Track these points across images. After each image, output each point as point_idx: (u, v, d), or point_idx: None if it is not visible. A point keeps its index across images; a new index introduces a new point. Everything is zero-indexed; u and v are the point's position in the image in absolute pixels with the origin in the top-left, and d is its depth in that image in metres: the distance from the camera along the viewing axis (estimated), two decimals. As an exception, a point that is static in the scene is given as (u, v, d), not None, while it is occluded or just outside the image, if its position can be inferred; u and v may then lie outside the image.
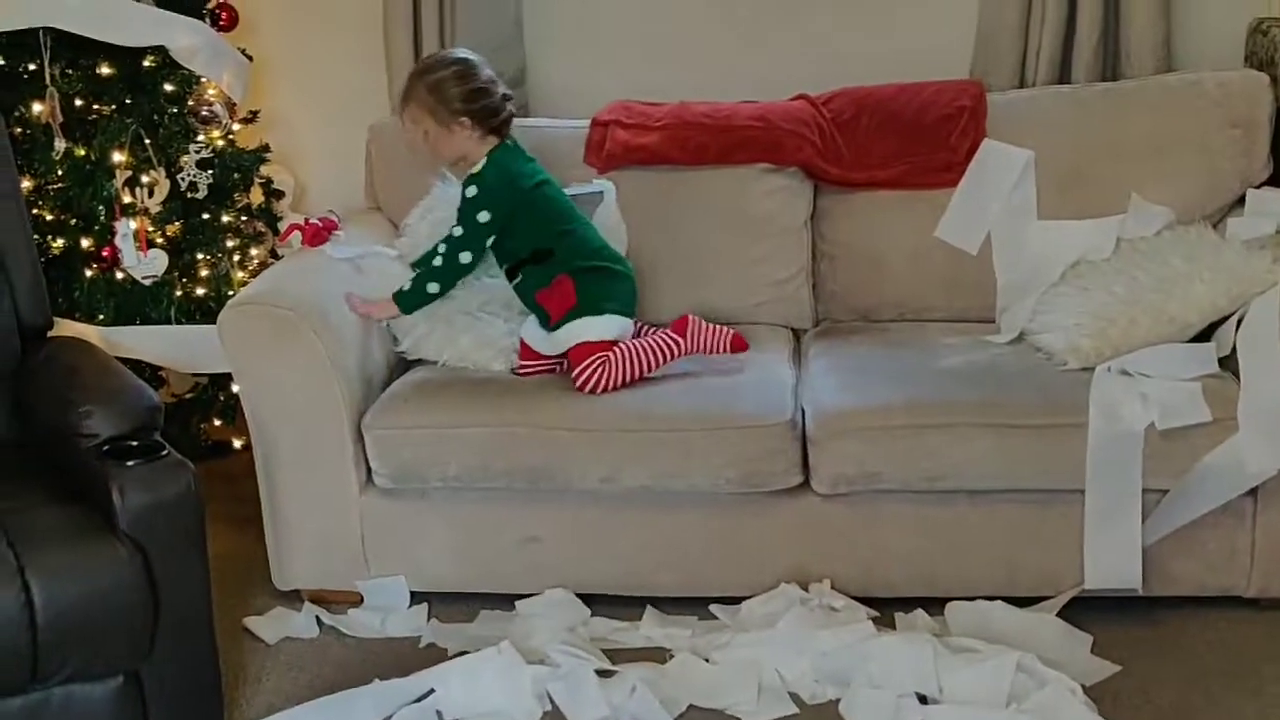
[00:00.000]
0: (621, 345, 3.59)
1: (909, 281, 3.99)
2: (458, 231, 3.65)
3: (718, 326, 3.67)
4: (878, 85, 4.14)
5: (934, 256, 3.97)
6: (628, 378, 3.54)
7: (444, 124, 3.67)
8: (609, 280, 3.69)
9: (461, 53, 3.76)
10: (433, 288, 3.65)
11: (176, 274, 4.01)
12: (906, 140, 4.03)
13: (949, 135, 4.00)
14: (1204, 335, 3.51)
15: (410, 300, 3.66)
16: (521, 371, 3.71)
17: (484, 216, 3.64)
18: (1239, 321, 3.43)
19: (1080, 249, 3.83)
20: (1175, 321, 3.49)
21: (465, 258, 3.65)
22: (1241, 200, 3.90)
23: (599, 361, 3.53)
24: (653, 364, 3.57)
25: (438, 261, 3.66)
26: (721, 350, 3.64)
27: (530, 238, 3.67)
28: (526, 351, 3.72)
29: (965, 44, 4.28)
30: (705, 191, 4.00)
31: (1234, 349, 3.41)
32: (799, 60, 4.33)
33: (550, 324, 3.65)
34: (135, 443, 2.97)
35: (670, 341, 3.61)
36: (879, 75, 4.17)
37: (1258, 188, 3.91)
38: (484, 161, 3.67)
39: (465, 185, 3.68)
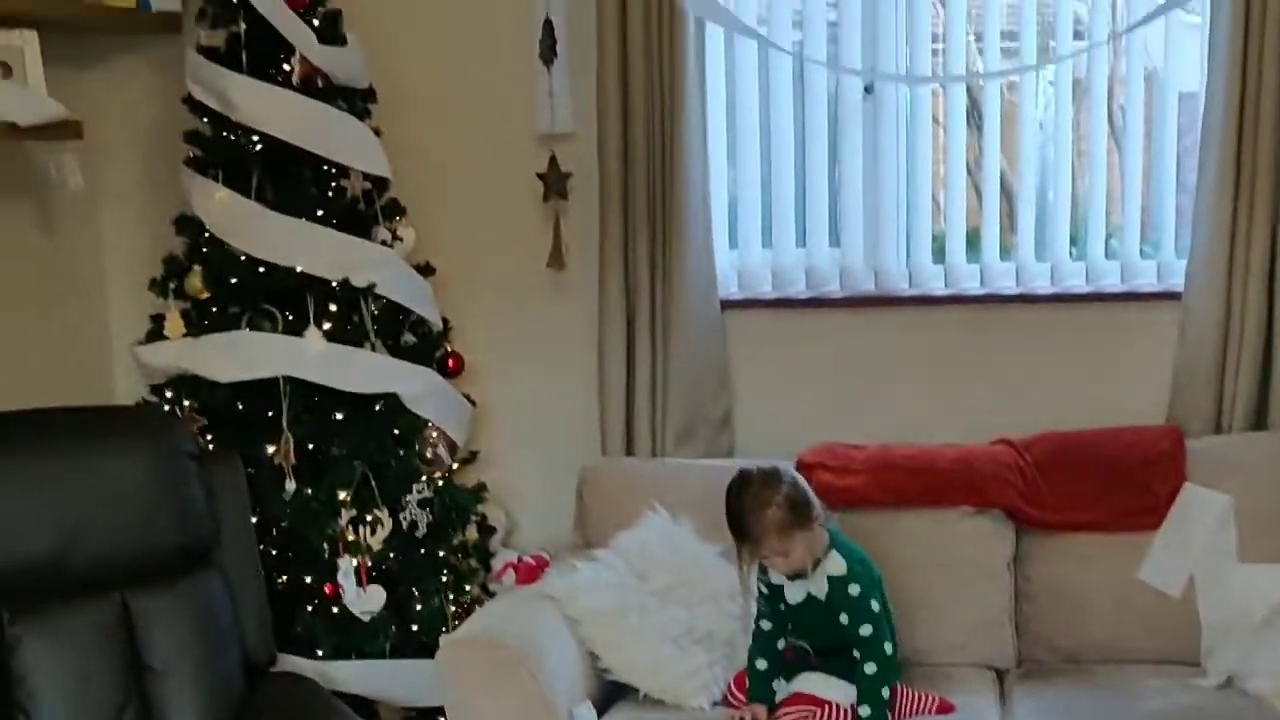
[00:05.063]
0: (831, 704, 3.61)
1: (1112, 623, 3.97)
2: (866, 630, 3.60)
3: (923, 692, 3.71)
4: (1077, 430, 4.21)
5: (1137, 598, 3.95)
6: None
7: (807, 528, 3.60)
8: None
9: (765, 464, 3.70)
10: (886, 691, 3.61)
11: (393, 609, 4.10)
12: (1107, 484, 4.06)
13: (1149, 480, 4.04)
14: None
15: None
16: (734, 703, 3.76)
17: (875, 605, 3.64)
18: None
19: (1285, 592, 3.82)
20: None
21: (889, 647, 3.64)
22: None
23: (806, 713, 3.58)
24: None
25: (870, 669, 3.58)
26: (928, 713, 3.68)
27: None
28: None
29: (1161, 390, 4.35)
30: (908, 533, 4.04)
31: None
32: (999, 405, 4.42)
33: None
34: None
35: None
36: (1076, 420, 4.24)
37: None
38: (840, 559, 3.64)
39: (844, 586, 3.62)
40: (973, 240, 4.63)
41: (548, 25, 4.32)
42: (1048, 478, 4.10)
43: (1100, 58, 4.46)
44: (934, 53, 4.61)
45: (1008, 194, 4.82)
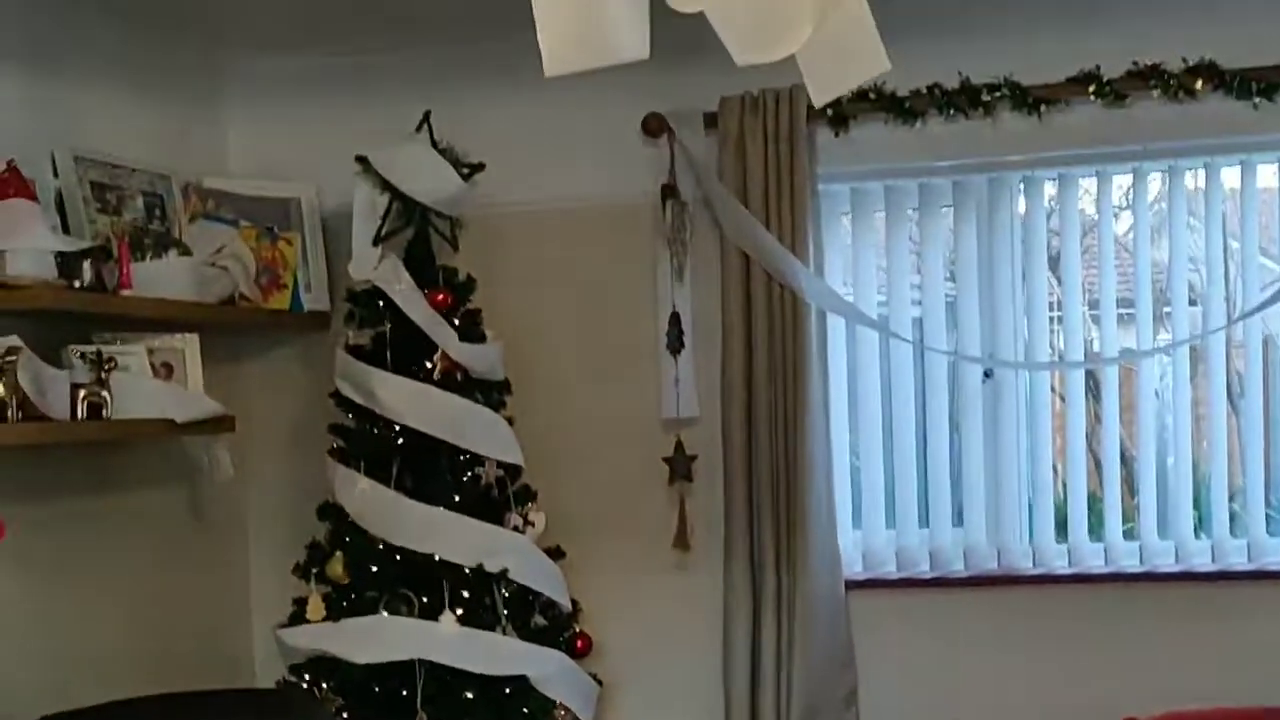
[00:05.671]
0: None
1: None
2: None
3: None
4: (1204, 709, 4.18)
5: None
6: None
7: None
8: None
9: None
10: None
11: None
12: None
13: (1283, 769, 4.02)
14: None
15: None
16: None
17: None
18: None
19: None
20: None
21: None
22: None
23: None
24: None
25: None
26: None
27: None
28: None
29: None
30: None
31: None
32: (1124, 683, 4.39)
33: None
34: None
35: None
36: (1203, 698, 4.18)
37: None
38: None
39: None
40: (1093, 505, 4.68)
41: (674, 317, 4.51)
42: (1175, 759, 4.09)
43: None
44: (1051, 320, 4.74)
45: (1127, 462, 4.89)
